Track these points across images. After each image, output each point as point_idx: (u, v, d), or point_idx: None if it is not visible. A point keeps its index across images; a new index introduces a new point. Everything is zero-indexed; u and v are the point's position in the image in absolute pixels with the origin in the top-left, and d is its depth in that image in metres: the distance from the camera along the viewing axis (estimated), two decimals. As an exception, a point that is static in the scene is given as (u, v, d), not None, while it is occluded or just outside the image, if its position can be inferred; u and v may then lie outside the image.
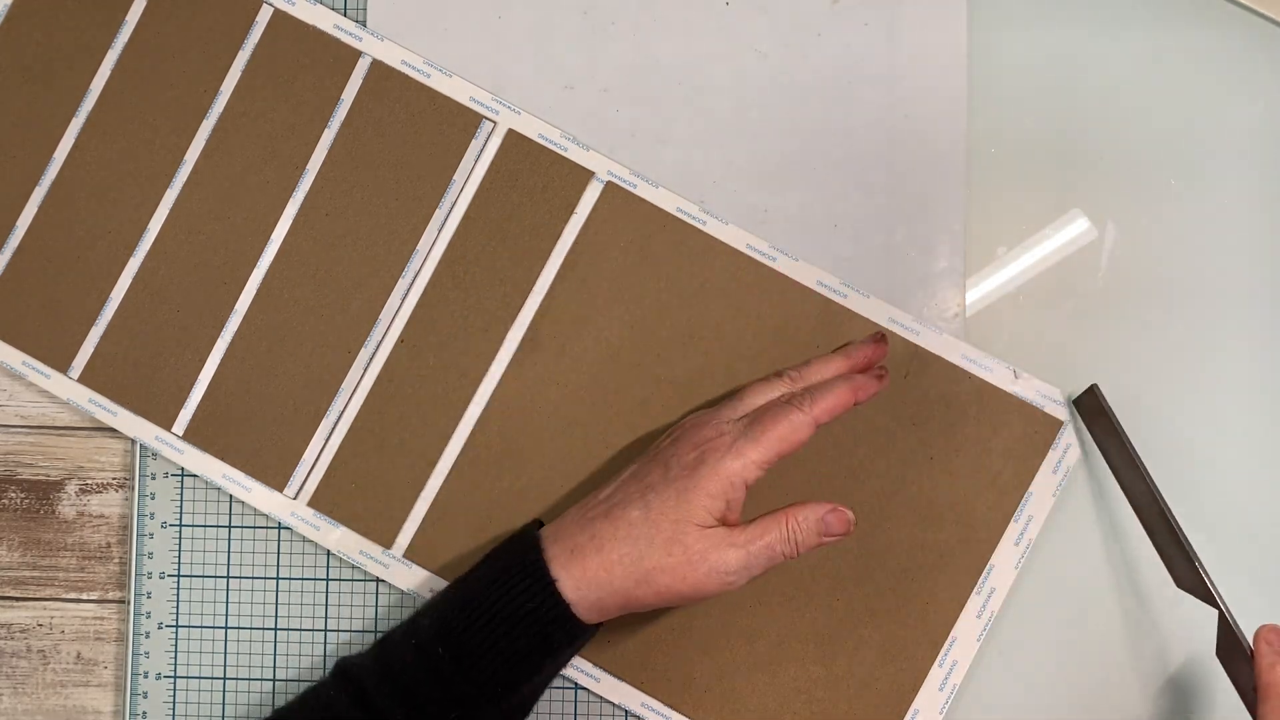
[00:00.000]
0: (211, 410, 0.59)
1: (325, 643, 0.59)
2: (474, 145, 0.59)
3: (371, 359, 0.59)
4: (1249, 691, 0.50)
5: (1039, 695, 0.57)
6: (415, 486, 0.58)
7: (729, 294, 0.58)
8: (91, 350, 0.59)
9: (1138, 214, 0.58)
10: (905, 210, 0.58)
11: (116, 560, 0.60)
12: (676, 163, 0.59)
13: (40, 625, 0.60)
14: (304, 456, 0.58)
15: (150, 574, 0.59)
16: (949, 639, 0.56)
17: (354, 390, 0.59)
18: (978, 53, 0.59)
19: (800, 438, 0.50)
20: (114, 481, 0.60)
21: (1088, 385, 0.56)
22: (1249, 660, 0.51)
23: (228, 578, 0.59)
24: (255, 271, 0.59)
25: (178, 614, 0.59)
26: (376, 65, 0.59)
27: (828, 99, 0.59)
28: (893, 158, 0.59)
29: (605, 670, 0.57)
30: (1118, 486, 0.56)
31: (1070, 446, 0.57)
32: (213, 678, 0.59)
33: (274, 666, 0.59)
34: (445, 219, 0.59)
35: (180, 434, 0.59)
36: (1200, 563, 0.52)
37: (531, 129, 0.59)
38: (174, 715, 0.59)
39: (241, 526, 0.59)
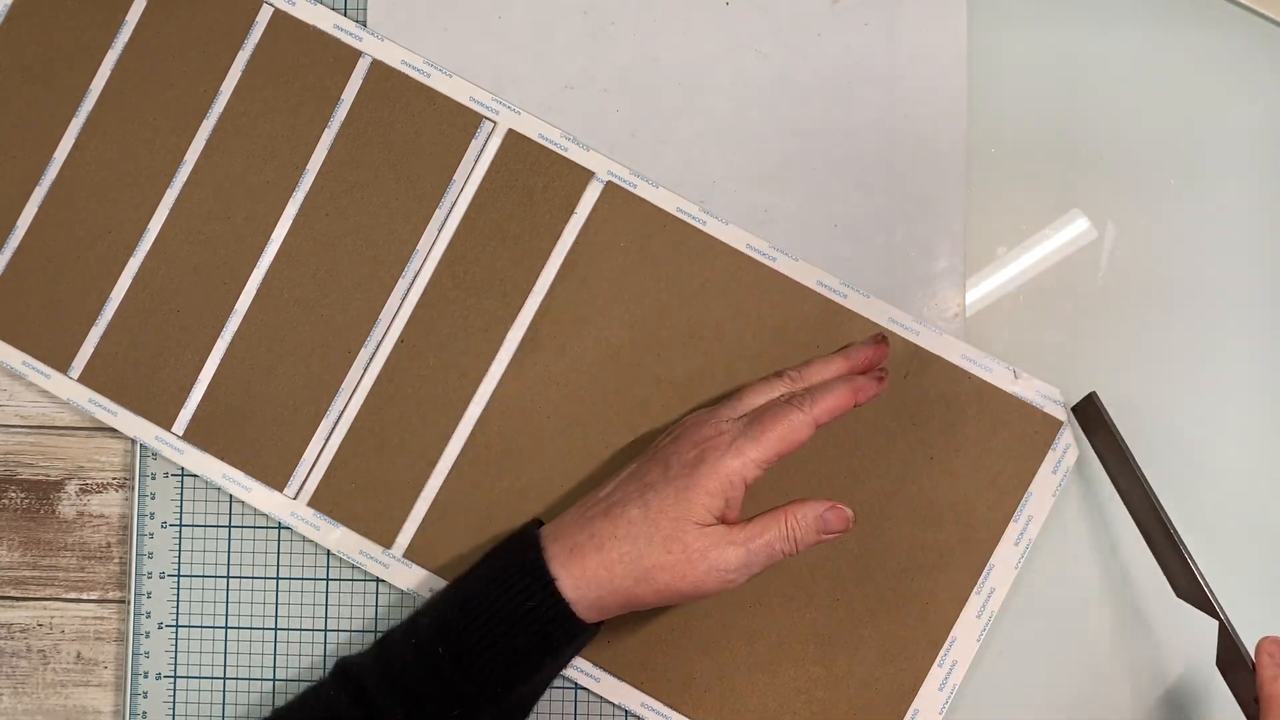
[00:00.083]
0: (211, 410, 0.59)
1: (325, 643, 0.59)
2: (474, 145, 0.59)
3: (371, 359, 0.59)
4: (1250, 704, 0.50)
5: (1038, 695, 0.57)
6: (415, 486, 0.58)
7: (729, 294, 0.58)
8: (91, 350, 0.59)
9: (1138, 214, 0.58)
10: (905, 210, 0.58)
11: (116, 560, 0.60)
12: (676, 163, 0.59)
13: (40, 625, 0.60)
14: (304, 456, 0.58)
15: (150, 574, 0.59)
16: (949, 639, 0.56)
17: (354, 390, 0.59)
18: (978, 53, 0.59)
19: (800, 437, 0.50)
20: (114, 481, 0.60)
21: (1086, 393, 0.56)
22: (1250, 672, 0.50)
23: (228, 578, 0.59)
24: (255, 271, 0.59)
25: (178, 614, 0.59)
26: (376, 65, 0.59)
27: (828, 99, 0.59)
28: (893, 158, 0.59)
29: (605, 670, 0.57)
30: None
31: (1070, 447, 0.57)
32: (213, 678, 0.59)
33: (274, 666, 0.59)
34: (445, 219, 0.59)
35: (180, 434, 0.59)
36: (1201, 573, 0.52)
37: (531, 129, 0.59)
38: (174, 715, 0.59)
39: (241, 526, 0.59)
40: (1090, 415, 0.56)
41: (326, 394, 0.59)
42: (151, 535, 0.59)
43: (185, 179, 0.60)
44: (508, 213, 0.59)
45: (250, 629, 0.59)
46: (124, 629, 0.60)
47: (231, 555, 0.59)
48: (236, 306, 0.59)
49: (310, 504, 0.58)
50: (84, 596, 0.60)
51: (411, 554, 0.58)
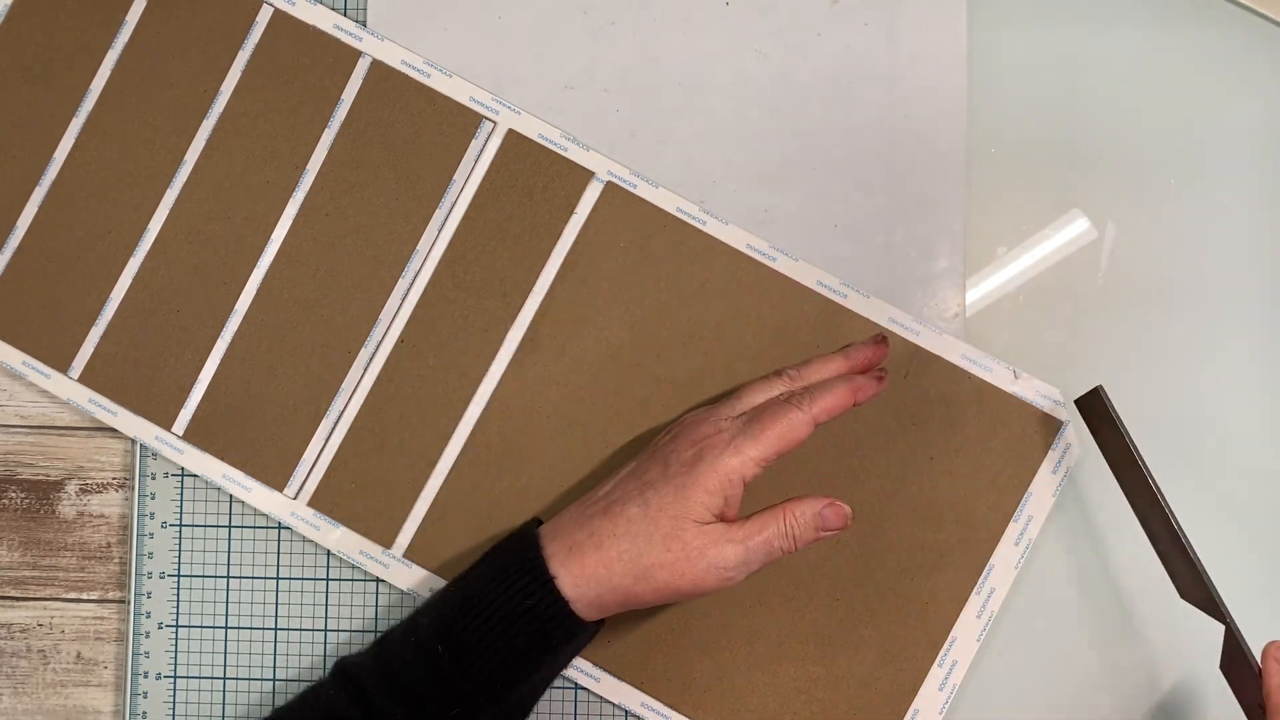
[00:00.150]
0: (211, 410, 0.59)
1: (325, 643, 0.59)
2: (474, 145, 0.59)
3: (371, 359, 0.59)
4: (1255, 709, 0.49)
5: (1038, 695, 0.57)
6: (415, 486, 0.58)
7: (729, 294, 0.58)
8: (91, 350, 0.59)
9: (1138, 214, 0.58)
10: (905, 210, 0.58)
11: (116, 560, 0.60)
12: (676, 163, 0.59)
13: (40, 625, 0.60)
14: (304, 456, 0.58)
15: (150, 574, 0.59)
16: (949, 639, 0.56)
17: (354, 390, 0.59)
18: (978, 53, 0.59)
19: (799, 436, 0.50)
20: (114, 481, 0.60)
21: (1092, 386, 0.55)
22: (1256, 678, 0.49)
23: (228, 578, 0.59)
24: (255, 271, 0.59)
25: (178, 614, 0.59)
26: (376, 65, 0.59)
27: (828, 99, 0.59)
28: (893, 158, 0.59)
29: (605, 670, 0.57)
30: (1118, 487, 0.56)
31: (1070, 446, 0.57)
32: (213, 678, 0.59)
33: (274, 666, 0.59)
34: (445, 219, 0.59)
35: (180, 434, 0.59)
36: (1208, 576, 0.51)
37: (531, 129, 0.59)
38: (174, 715, 0.59)
39: (241, 526, 0.59)
40: (1096, 410, 0.55)
41: (326, 394, 0.59)
42: (151, 535, 0.59)
43: (185, 179, 0.60)
44: (508, 213, 0.59)
45: (250, 629, 0.59)
46: (124, 629, 0.60)
47: (231, 555, 0.59)
48: (236, 306, 0.59)
49: (310, 504, 0.58)
50: (84, 596, 0.60)
51: (411, 554, 0.58)
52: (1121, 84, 0.59)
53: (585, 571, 0.49)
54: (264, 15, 0.60)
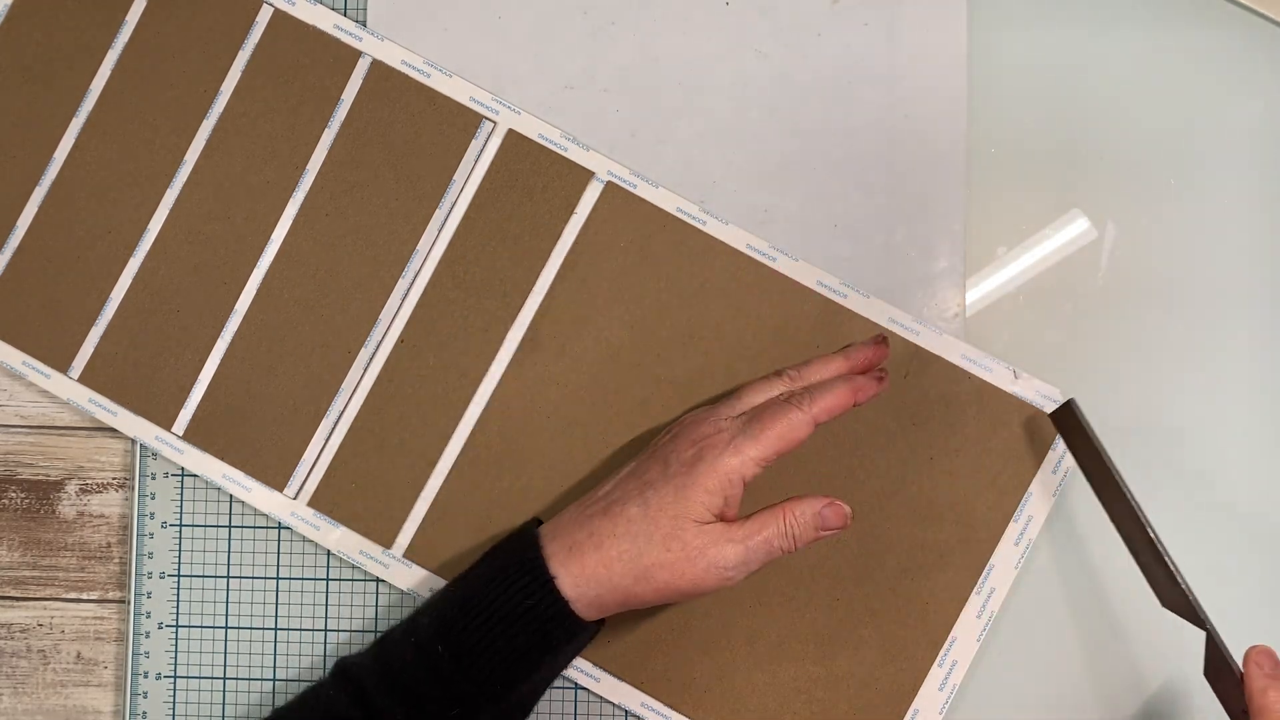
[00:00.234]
0: (211, 410, 0.59)
1: (325, 643, 0.59)
2: (474, 145, 0.59)
3: (371, 359, 0.59)
4: (1239, 714, 0.49)
5: (1038, 695, 0.57)
6: (415, 486, 0.58)
7: (729, 294, 0.58)
8: (91, 350, 0.59)
9: (1138, 214, 0.58)
10: (905, 210, 0.58)
11: (116, 560, 0.60)
12: (676, 163, 0.59)
13: (40, 625, 0.60)
14: (304, 456, 0.58)
15: (150, 574, 0.59)
16: (949, 639, 0.56)
17: (354, 390, 0.59)
18: (978, 53, 0.59)
19: (799, 436, 0.50)
20: (114, 481, 0.60)
21: (1066, 399, 0.55)
22: (1239, 683, 0.49)
23: (228, 578, 0.59)
24: (255, 271, 0.59)
25: (178, 614, 0.59)
26: (376, 65, 0.59)
27: (828, 99, 0.59)
28: (893, 158, 0.59)
29: (605, 670, 0.57)
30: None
31: (1070, 446, 0.57)
32: (213, 678, 0.59)
33: (274, 666, 0.59)
34: (445, 219, 0.59)
35: (180, 434, 0.59)
36: (1186, 583, 0.51)
37: (531, 129, 0.59)
38: (174, 715, 0.59)
39: (241, 526, 0.59)
40: (1069, 423, 0.55)
41: (326, 394, 0.59)
42: (151, 535, 0.59)
43: (185, 179, 0.60)
44: (508, 213, 0.59)
45: (250, 629, 0.59)
46: (124, 629, 0.60)
47: (231, 555, 0.59)
48: (236, 306, 0.59)
49: (310, 504, 0.58)
50: (84, 596, 0.60)
51: (411, 554, 0.58)
52: (1121, 84, 0.59)
53: (585, 571, 0.49)
54: (264, 15, 0.60)
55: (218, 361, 0.59)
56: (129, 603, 0.59)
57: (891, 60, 0.59)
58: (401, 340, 0.59)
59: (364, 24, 0.60)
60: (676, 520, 0.49)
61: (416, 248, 0.59)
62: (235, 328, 0.59)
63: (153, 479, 0.59)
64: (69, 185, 0.60)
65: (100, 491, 0.60)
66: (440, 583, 0.57)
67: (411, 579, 0.58)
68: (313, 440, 0.58)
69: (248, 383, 0.59)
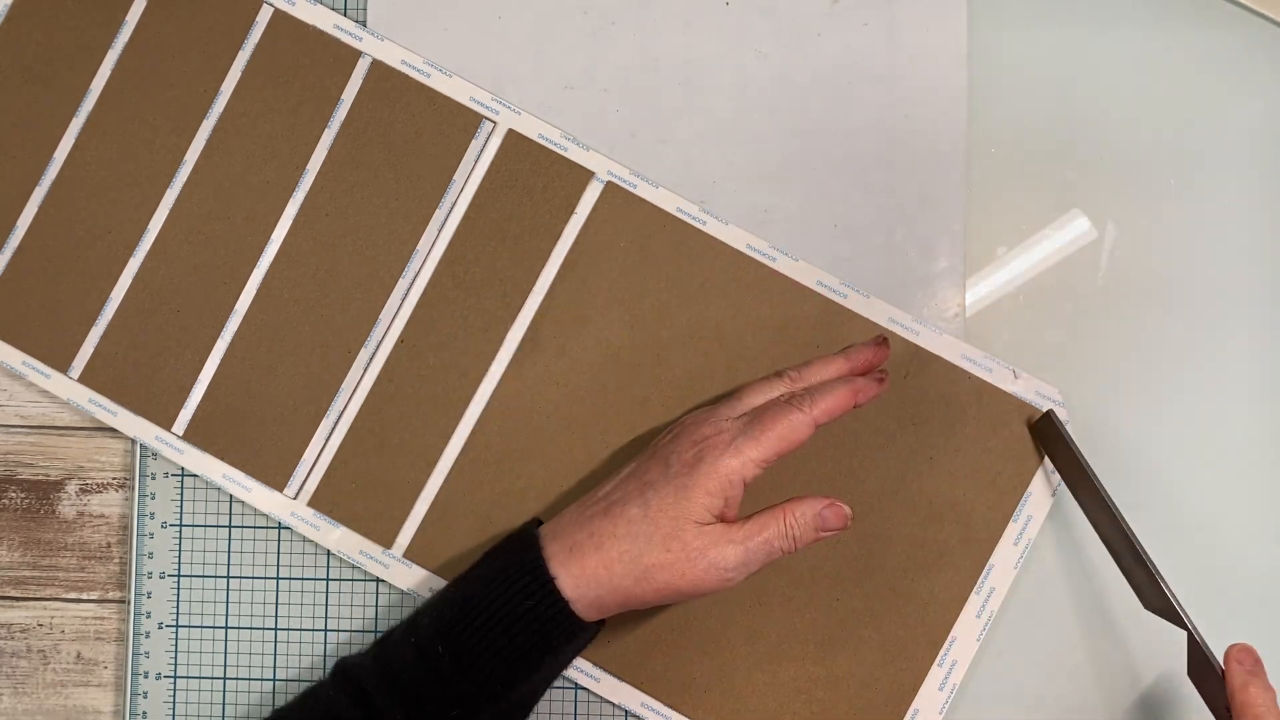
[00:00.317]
0: (211, 410, 0.59)
1: (325, 643, 0.59)
2: (474, 145, 0.59)
3: (371, 359, 0.59)
4: (1222, 711, 0.50)
5: (1038, 695, 0.57)
6: (415, 486, 0.58)
7: (729, 294, 0.58)
8: (91, 350, 0.59)
9: (1138, 214, 0.58)
10: (905, 210, 0.58)
11: (116, 560, 0.60)
12: (676, 163, 0.59)
13: (40, 625, 0.60)
14: (304, 456, 0.58)
15: (150, 574, 0.59)
16: (949, 639, 0.56)
17: (354, 390, 0.59)
18: (978, 53, 0.59)
19: (799, 437, 0.50)
20: (114, 481, 0.60)
21: (1046, 410, 0.56)
22: (1220, 681, 0.50)
23: (228, 578, 0.59)
24: (255, 271, 0.59)
25: (178, 614, 0.59)
26: (376, 65, 0.59)
27: (828, 99, 0.59)
28: (893, 158, 0.59)
29: (605, 670, 0.57)
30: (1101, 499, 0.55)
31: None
32: (213, 678, 0.59)
33: (274, 666, 0.59)
34: (445, 219, 0.59)
35: (180, 434, 0.59)
36: (1166, 584, 0.51)
37: (531, 129, 0.59)
38: (174, 715, 0.59)
39: (241, 526, 0.59)
40: (1049, 433, 0.55)
41: (326, 394, 0.59)
42: (151, 535, 0.59)
43: (185, 179, 0.60)
44: (508, 213, 0.59)
45: (250, 629, 0.59)
46: (124, 629, 0.60)
47: (231, 555, 0.59)
48: (236, 306, 0.59)
49: (310, 504, 0.58)
50: (84, 596, 0.60)
51: (411, 554, 0.58)
52: (1121, 84, 0.59)
53: (585, 572, 0.49)
54: (264, 15, 0.60)
55: (218, 361, 0.59)
56: (129, 603, 0.59)
57: (891, 60, 0.59)
58: (401, 340, 0.59)
59: (364, 24, 0.60)
60: (677, 521, 0.49)
61: (416, 248, 0.59)
62: (235, 328, 0.59)
63: (153, 479, 0.59)
64: (69, 185, 0.60)
65: (100, 491, 0.60)
66: (440, 583, 0.57)
67: (411, 579, 0.58)
68: (313, 440, 0.58)
69: (248, 383, 0.59)
